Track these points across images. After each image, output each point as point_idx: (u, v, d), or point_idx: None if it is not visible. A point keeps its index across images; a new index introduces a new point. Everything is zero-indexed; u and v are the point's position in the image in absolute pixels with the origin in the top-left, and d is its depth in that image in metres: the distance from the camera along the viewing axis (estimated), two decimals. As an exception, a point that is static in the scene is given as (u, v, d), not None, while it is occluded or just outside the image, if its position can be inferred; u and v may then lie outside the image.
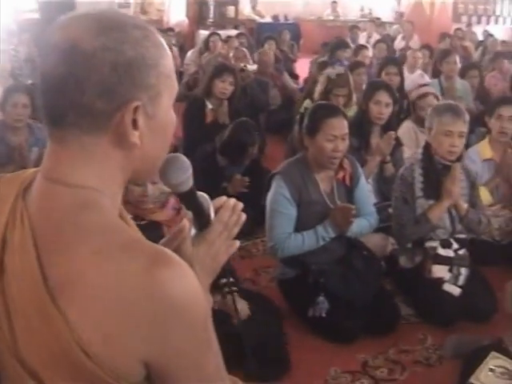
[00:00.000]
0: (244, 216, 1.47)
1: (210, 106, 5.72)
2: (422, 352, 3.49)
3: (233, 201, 1.47)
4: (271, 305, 3.57)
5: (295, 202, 3.61)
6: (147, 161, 1.22)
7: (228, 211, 1.44)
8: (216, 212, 1.45)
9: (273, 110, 7.70)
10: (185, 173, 1.38)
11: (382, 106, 4.73)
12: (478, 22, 18.03)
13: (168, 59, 1.19)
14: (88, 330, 1.06)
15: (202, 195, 1.45)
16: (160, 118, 1.19)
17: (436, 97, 5.34)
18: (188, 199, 1.43)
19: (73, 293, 1.06)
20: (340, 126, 3.57)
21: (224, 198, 1.48)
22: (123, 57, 1.10)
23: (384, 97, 4.75)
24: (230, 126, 5.18)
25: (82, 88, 1.09)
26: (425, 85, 5.96)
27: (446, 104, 3.82)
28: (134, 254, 1.08)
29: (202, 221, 1.43)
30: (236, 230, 1.46)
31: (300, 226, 3.62)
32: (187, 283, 1.11)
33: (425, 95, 5.32)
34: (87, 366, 1.06)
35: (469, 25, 16.55)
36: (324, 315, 3.48)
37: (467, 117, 3.79)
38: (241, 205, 1.48)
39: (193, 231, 1.44)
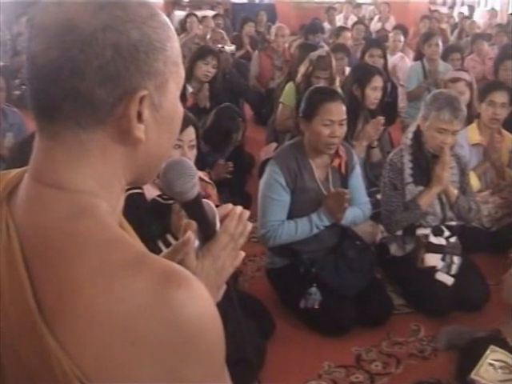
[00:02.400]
0: (250, 225, 1.35)
1: (190, 89, 5.55)
2: (415, 344, 3.42)
3: (239, 209, 1.34)
4: (264, 316, 3.39)
5: (289, 189, 3.51)
6: (152, 158, 1.06)
7: (234, 221, 1.32)
8: (221, 221, 1.32)
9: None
10: (191, 180, 1.25)
11: (378, 92, 4.71)
12: (453, 5, 18.09)
13: (175, 42, 1.04)
14: (89, 362, 0.89)
15: (208, 203, 1.32)
16: (166, 109, 1.03)
17: (469, 84, 5.24)
18: (193, 209, 1.30)
19: (70, 318, 0.89)
20: (337, 111, 3.48)
21: (230, 205, 1.35)
22: (127, 38, 0.94)
23: (379, 82, 4.78)
24: (212, 113, 5.04)
25: (79, 74, 0.93)
26: (461, 69, 5.81)
27: (447, 97, 3.69)
28: (140, 272, 0.91)
29: (206, 231, 1.31)
30: (242, 241, 1.33)
31: (293, 213, 3.53)
32: (202, 305, 0.95)
33: (456, 80, 5.22)
34: None
35: (450, 7, 16.60)
36: (316, 307, 3.38)
37: (464, 112, 3.70)
38: (247, 213, 1.35)
39: (196, 243, 1.30)
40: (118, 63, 0.94)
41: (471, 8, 15.93)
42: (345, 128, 3.52)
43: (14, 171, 1.07)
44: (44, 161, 1.00)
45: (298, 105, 3.71)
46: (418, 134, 3.82)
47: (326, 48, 6.69)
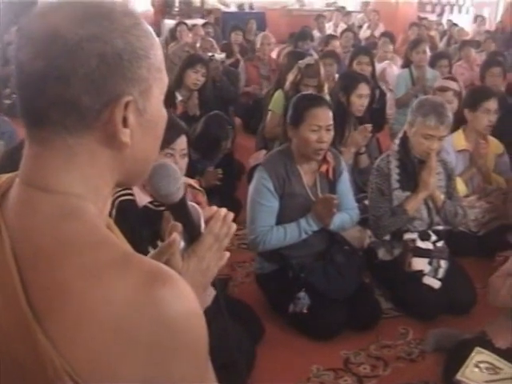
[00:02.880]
0: (234, 226, 1.39)
1: (179, 97, 5.61)
2: (403, 347, 3.46)
3: (224, 211, 1.38)
4: (254, 320, 3.42)
5: (278, 195, 3.55)
6: (138, 161, 1.11)
7: (219, 222, 1.36)
8: (206, 222, 1.36)
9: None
10: (175, 183, 1.30)
11: (363, 99, 4.78)
12: (442, 12, 18.21)
13: (158, 50, 1.08)
14: (80, 358, 0.93)
15: (193, 206, 1.36)
16: (151, 114, 1.07)
17: (457, 94, 5.31)
18: (178, 211, 1.34)
19: (60, 315, 0.93)
20: (324, 117, 3.53)
21: (214, 207, 1.39)
22: (112, 47, 0.98)
23: (365, 89, 4.84)
24: (201, 120, 5.08)
25: (65, 83, 0.97)
26: (450, 77, 5.82)
27: (432, 103, 3.75)
28: (126, 271, 0.95)
29: (192, 233, 1.35)
30: (227, 242, 1.37)
31: (282, 219, 3.57)
32: (186, 302, 0.99)
33: (445, 89, 5.28)
34: None
35: (439, 15, 16.70)
36: (305, 311, 3.42)
37: (450, 119, 3.75)
38: (231, 215, 1.39)
39: (182, 244, 1.34)
40: (103, 71, 0.98)
41: (481, 18, 15.96)
42: (332, 133, 3.56)
43: (5, 176, 1.10)
44: (33, 165, 1.03)
45: (285, 112, 3.74)
46: (404, 140, 3.87)
47: (315, 56, 6.75)
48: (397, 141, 3.94)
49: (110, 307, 0.93)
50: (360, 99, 4.80)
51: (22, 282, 0.95)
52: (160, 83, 1.09)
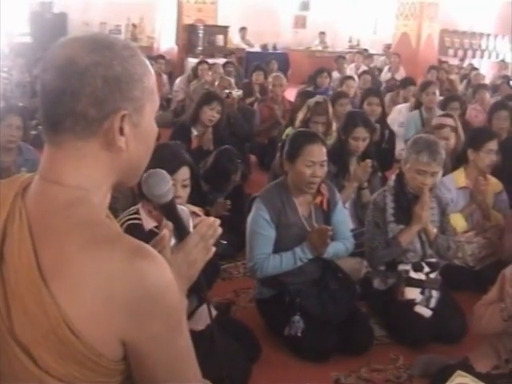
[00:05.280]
0: (220, 230, 1.61)
1: (195, 132, 5.88)
2: (393, 371, 3.62)
3: (211, 218, 1.62)
4: (252, 341, 3.58)
5: (274, 224, 3.74)
6: (132, 164, 1.39)
7: (206, 226, 1.59)
8: (195, 227, 1.60)
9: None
10: (166, 185, 1.55)
11: (360, 141, 4.97)
12: (464, 56, 18.39)
13: (151, 77, 1.38)
14: (75, 311, 1.21)
15: (182, 209, 1.63)
16: (143, 126, 1.37)
17: (454, 129, 5.51)
18: (168, 210, 1.59)
19: (62, 278, 1.22)
20: (318, 153, 3.72)
21: (204, 217, 1.66)
22: (112, 72, 1.28)
23: (362, 132, 4.98)
24: (213, 154, 5.33)
25: (77, 98, 1.27)
26: (446, 114, 6.00)
27: (425, 141, 3.95)
28: (116, 246, 1.24)
29: (181, 231, 1.59)
30: (212, 242, 1.60)
31: (278, 248, 3.75)
32: (162, 274, 1.27)
33: (441, 126, 5.50)
34: (73, 343, 1.22)
35: (461, 59, 16.91)
36: (299, 334, 3.60)
37: (443, 156, 3.94)
38: (218, 221, 1.62)
39: (173, 241, 1.59)
40: (106, 90, 1.29)
41: (503, 62, 16.15)
42: (325, 168, 3.76)
43: (28, 174, 1.43)
44: (49, 164, 1.34)
45: (282, 147, 3.96)
46: (400, 176, 4.08)
47: (329, 94, 6.99)
48: (393, 177, 4.15)
49: (100, 275, 1.22)
50: (356, 141, 4.94)
51: (35, 253, 1.25)
52: (152, 103, 1.39)
